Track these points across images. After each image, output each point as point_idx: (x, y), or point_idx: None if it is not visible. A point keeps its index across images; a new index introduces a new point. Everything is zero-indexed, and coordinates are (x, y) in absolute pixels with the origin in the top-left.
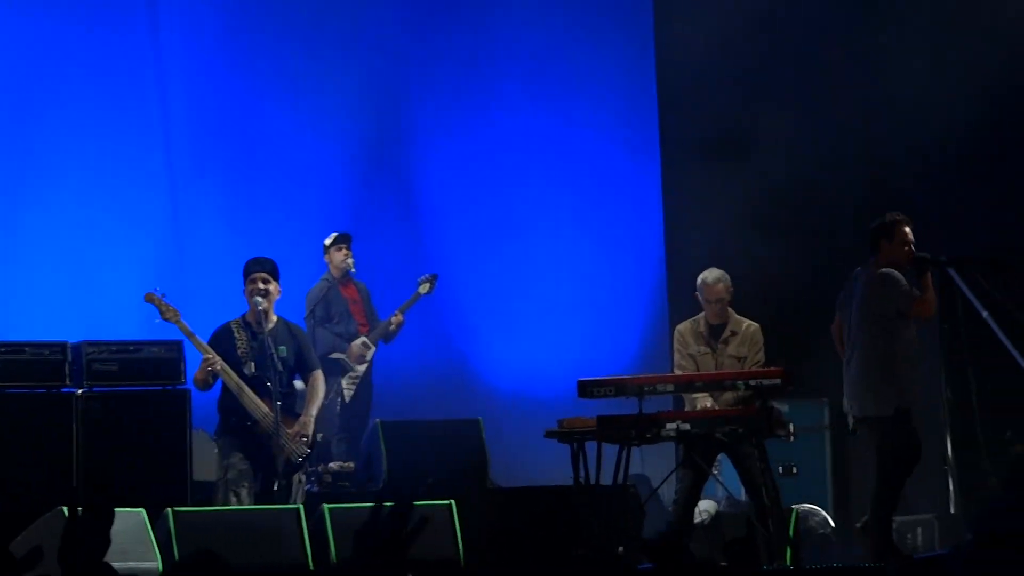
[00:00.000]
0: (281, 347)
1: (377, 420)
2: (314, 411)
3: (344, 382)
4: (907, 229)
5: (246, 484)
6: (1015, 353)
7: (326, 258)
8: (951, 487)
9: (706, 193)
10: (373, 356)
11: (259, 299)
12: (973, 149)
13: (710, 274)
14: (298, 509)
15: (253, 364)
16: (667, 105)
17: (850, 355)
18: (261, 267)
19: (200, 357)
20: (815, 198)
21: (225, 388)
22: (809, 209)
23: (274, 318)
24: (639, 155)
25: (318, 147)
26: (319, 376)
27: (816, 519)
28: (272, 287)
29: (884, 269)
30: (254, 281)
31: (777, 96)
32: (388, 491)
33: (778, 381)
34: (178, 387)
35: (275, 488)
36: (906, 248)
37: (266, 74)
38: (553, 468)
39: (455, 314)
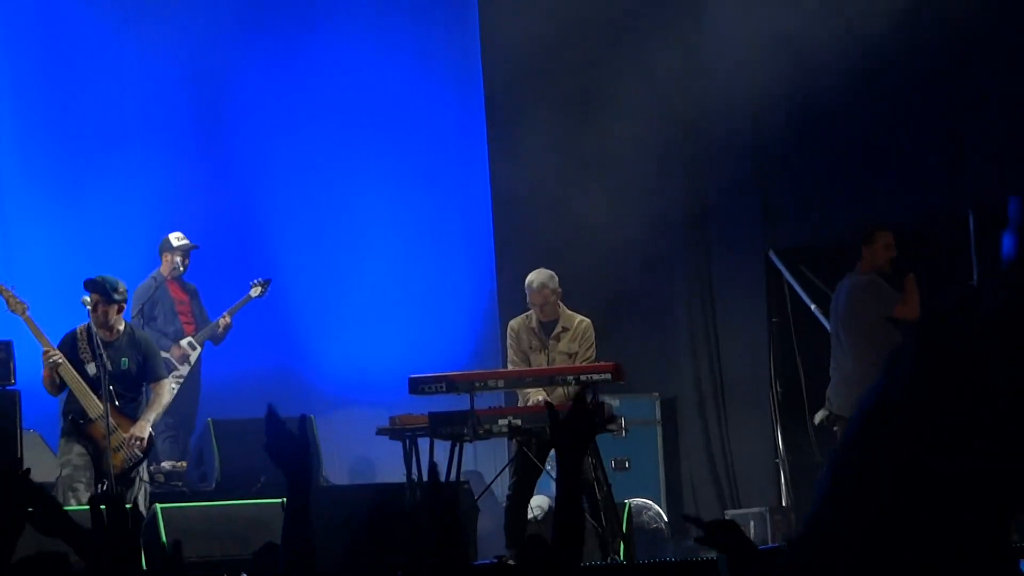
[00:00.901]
0: (124, 359)
1: (209, 419)
2: (152, 416)
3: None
4: (887, 236)
5: (83, 481)
6: None
7: (162, 256)
8: (783, 480)
9: (536, 184)
10: (200, 356)
11: (101, 323)
12: (793, 138)
13: (536, 278)
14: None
15: (94, 365)
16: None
17: (840, 357)
18: (94, 288)
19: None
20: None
21: (69, 390)
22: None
23: (120, 328)
24: (467, 128)
25: (144, 123)
26: (164, 385)
27: (649, 513)
28: (107, 310)
29: (867, 275)
30: (90, 304)
31: (613, 47)
32: (220, 490)
33: (609, 376)
34: (7, 388)
35: (103, 488)
36: (887, 254)
37: (86, 55)
38: (388, 466)
39: (288, 311)
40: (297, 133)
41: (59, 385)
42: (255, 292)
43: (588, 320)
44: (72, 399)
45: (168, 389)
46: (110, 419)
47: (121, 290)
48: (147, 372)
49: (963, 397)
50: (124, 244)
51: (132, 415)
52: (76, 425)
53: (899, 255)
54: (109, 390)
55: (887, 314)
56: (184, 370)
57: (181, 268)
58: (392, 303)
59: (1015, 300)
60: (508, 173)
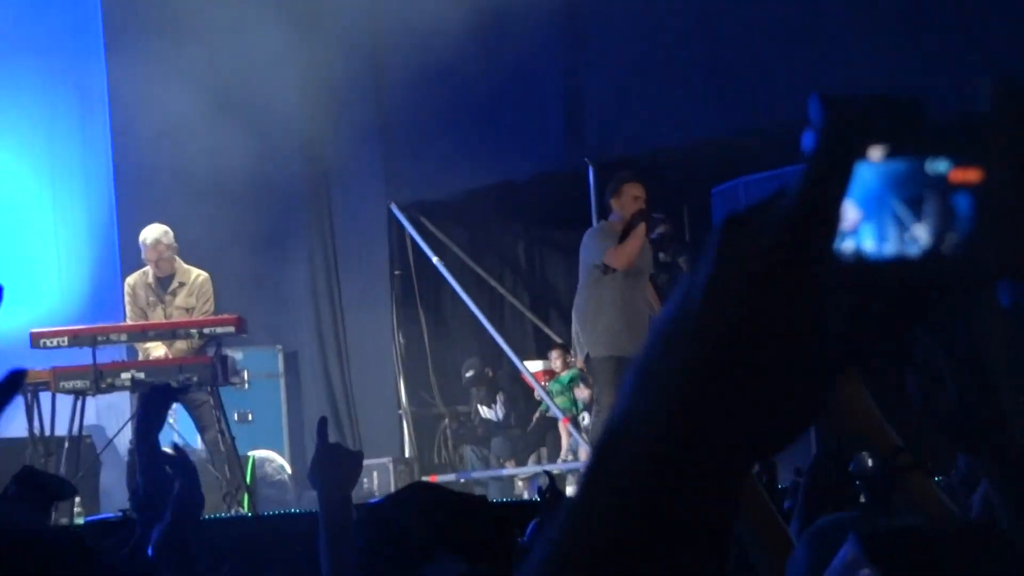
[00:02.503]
0: None
1: None
2: None
3: None
4: (635, 187)
5: None
6: (464, 296)
7: None
8: (406, 431)
9: (155, 134)
10: None
11: None
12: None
13: (149, 234)
14: None
15: None
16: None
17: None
18: None
19: None
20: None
21: None
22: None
23: None
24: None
25: None
26: None
27: (272, 465)
28: None
29: (602, 222)
30: None
31: None
32: None
33: (232, 329)
34: None
35: None
36: (635, 205)
37: None
38: (9, 420)
39: None
40: None
41: None
42: None
43: (206, 274)
44: None
45: None
46: None
47: None
48: None
49: (751, 303)
50: None
51: None
52: None
53: (646, 208)
54: None
55: (596, 261)
56: None
57: None
58: (10, 253)
59: (805, 195)
60: (129, 123)
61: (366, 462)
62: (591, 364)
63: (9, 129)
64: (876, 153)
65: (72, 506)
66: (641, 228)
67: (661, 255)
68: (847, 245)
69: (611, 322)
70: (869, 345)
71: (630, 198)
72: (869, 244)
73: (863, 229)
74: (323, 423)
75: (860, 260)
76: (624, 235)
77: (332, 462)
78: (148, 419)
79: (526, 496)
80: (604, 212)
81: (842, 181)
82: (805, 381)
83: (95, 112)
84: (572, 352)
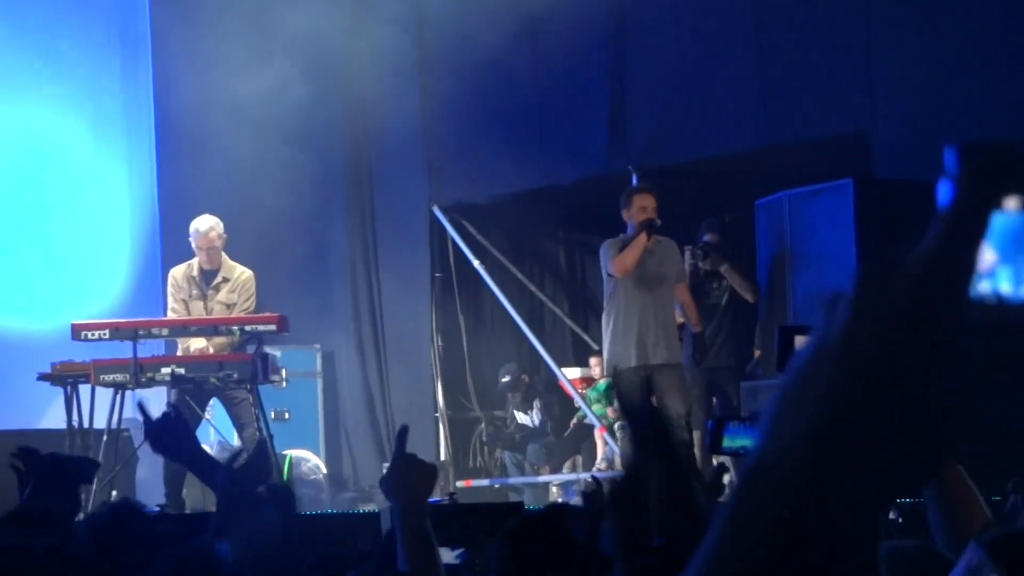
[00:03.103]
0: None
1: None
2: None
3: None
4: (643, 198)
5: None
6: (504, 301)
7: None
8: (441, 435)
9: (198, 131)
10: None
11: None
12: None
13: (203, 222)
14: None
15: None
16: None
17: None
18: None
19: None
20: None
21: None
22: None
23: None
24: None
25: None
26: None
27: (308, 465)
28: None
29: (616, 237)
30: None
31: None
32: None
33: (273, 327)
34: None
35: None
36: (642, 215)
37: None
38: (47, 411)
39: None
40: None
41: None
42: None
43: (250, 272)
44: None
45: None
46: None
47: None
48: None
49: (890, 344)
50: None
51: None
52: None
53: (654, 218)
54: None
55: (607, 270)
56: None
57: None
58: (53, 245)
59: (944, 241)
60: (173, 118)
61: None
62: (615, 375)
63: (51, 84)
64: (1012, 203)
65: (106, 493)
66: (641, 237)
67: (701, 264)
68: (984, 287)
69: (623, 332)
70: (999, 388)
71: (638, 209)
72: (1006, 287)
73: (1000, 272)
74: (403, 433)
75: (997, 302)
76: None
77: (409, 473)
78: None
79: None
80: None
81: (980, 230)
82: (941, 420)
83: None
84: None
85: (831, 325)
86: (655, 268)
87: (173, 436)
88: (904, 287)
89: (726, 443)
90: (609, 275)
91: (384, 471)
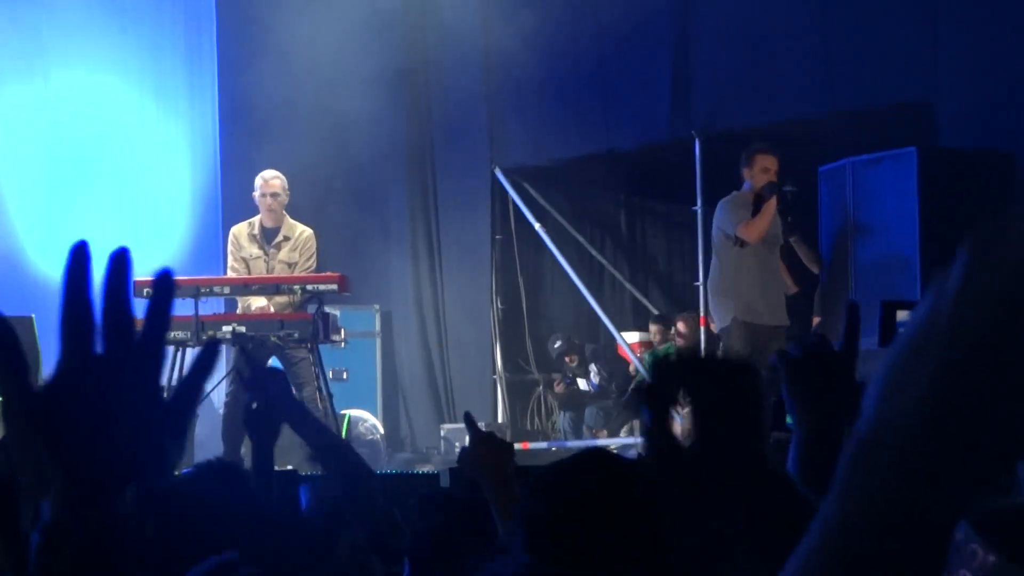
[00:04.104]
0: None
1: None
2: None
3: None
4: (766, 159)
5: None
6: (564, 264)
7: None
8: (499, 396)
9: (260, 90)
10: None
11: None
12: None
13: (269, 175)
14: None
15: None
16: None
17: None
18: None
19: None
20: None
21: None
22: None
23: None
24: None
25: None
26: None
27: (365, 425)
28: None
29: (735, 194)
30: None
31: None
32: None
33: (334, 287)
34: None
35: None
36: (764, 177)
37: None
38: None
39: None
40: None
41: None
42: None
43: (311, 231)
44: None
45: None
46: None
47: None
48: None
49: (999, 320)
50: None
51: None
52: None
53: (776, 181)
54: None
55: (729, 232)
56: None
57: None
58: (111, 204)
59: None
60: (234, 76)
61: (458, 425)
62: (725, 334)
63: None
64: None
65: None
66: (771, 203)
67: (790, 217)
68: None
69: (746, 292)
70: None
71: (760, 170)
72: None
73: None
74: (468, 417)
75: None
76: (756, 207)
77: (487, 450)
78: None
79: None
80: (708, 185)
81: None
82: None
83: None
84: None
85: (942, 295)
86: (773, 230)
87: (276, 389)
88: (1015, 260)
89: (790, 420)
90: (729, 237)
91: (442, 433)
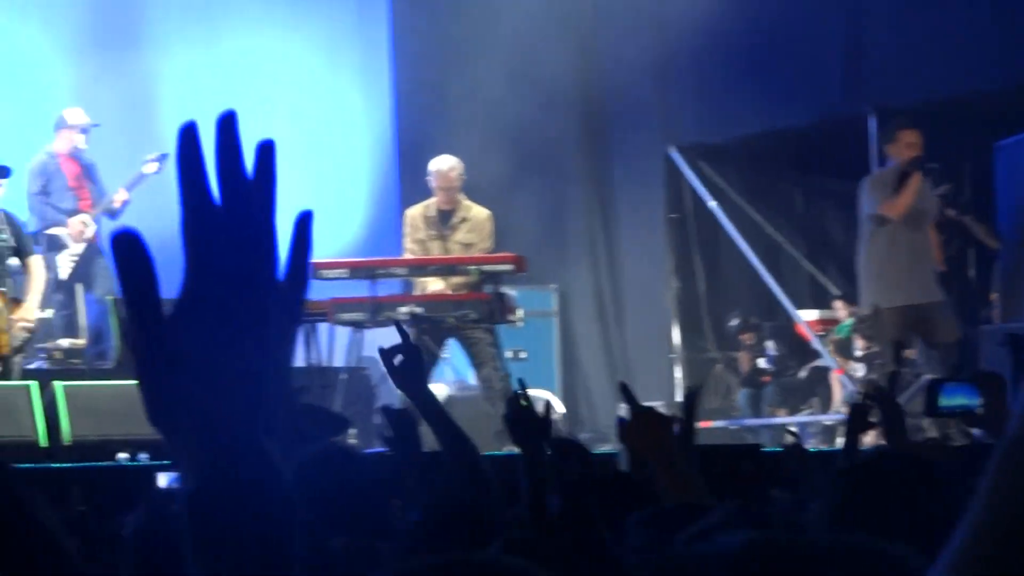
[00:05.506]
0: (3, 235)
1: (110, 296)
2: (36, 299)
3: (61, 258)
4: (909, 134)
5: None
6: (740, 242)
7: (60, 132)
8: (678, 375)
9: (437, 75)
10: (96, 233)
11: None
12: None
13: (443, 162)
14: (28, 387)
15: None
16: None
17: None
18: None
19: None
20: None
21: None
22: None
23: None
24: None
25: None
26: (38, 262)
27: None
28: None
29: (879, 170)
30: None
31: None
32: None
33: (511, 267)
34: None
35: None
36: (909, 152)
37: None
38: None
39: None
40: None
41: None
42: (148, 169)
43: (488, 211)
44: None
45: (41, 266)
46: None
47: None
48: (20, 249)
49: None
50: (13, 120)
51: (12, 294)
52: None
53: (921, 156)
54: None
55: (872, 211)
56: (80, 248)
57: (80, 145)
58: (290, 187)
59: None
60: (411, 60)
61: None
62: (877, 316)
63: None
64: None
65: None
66: (915, 179)
67: (948, 211)
68: None
69: (895, 272)
70: None
71: (904, 145)
72: None
73: None
74: (625, 388)
75: None
76: (899, 184)
77: (646, 424)
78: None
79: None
80: (884, 161)
81: None
82: None
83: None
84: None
85: None
86: (920, 205)
87: (412, 369)
88: None
89: (943, 402)
90: (871, 216)
91: (618, 418)
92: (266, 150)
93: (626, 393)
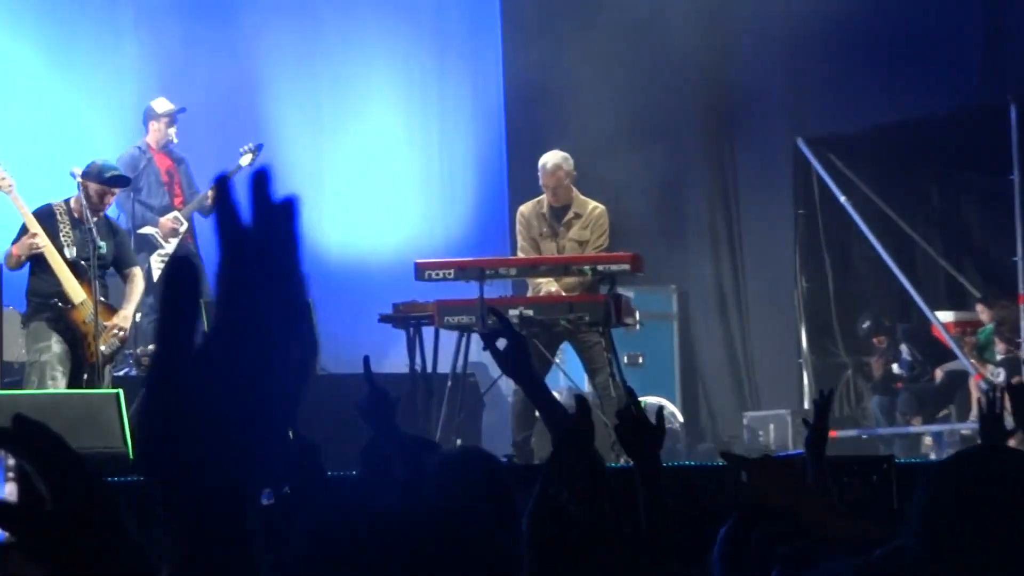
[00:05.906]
0: (102, 243)
1: (201, 299)
2: (132, 308)
3: (153, 259)
4: None
5: (61, 368)
6: (872, 239)
7: (148, 124)
8: (805, 382)
9: (549, 67)
10: (188, 231)
11: (97, 208)
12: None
13: (550, 159)
14: (117, 394)
15: (75, 249)
16: None
17: None
18: (97, 178)
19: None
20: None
21: (35, 271)
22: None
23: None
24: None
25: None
26: (138, 273)
27: (664, 413)
28: (108, 197)
29: None
30: (104, 194)
31: None
32: None
33: (627, 267)
34: None
35: (84, 377)
36: None
37: None
38: (388, 354)
39: (286, 187)
40: None
41: (23, 262)
42: (245, 160)
43: (602, 207)
44: (42, 278)
45: (141, 277)
46: (97, 304)
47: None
48: (121, 260)
49: None
50: (111, 112)
51: (108, 303)
52: (57, 310)
53: None
54: (91, 274)
55: None
56: (171, 247)
57: (172, 138)
58: (396, 182)
59: None
60: (521, 52)
61: (762, 413)
62: None
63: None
64: None
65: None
66: None
67: None
68: None
69: None
70: None
71: None
72: None
73: None
74: (728, 455)
75: None
76: None
77: (767, 479)
78: None
79: (932, 456)
80: None
81: None
82: None
83: (487, 57)
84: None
85: None
86: None
87: (517, 353)
88: None
89: None
90: None
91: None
92: (286, 206)
93: (730, 458)
